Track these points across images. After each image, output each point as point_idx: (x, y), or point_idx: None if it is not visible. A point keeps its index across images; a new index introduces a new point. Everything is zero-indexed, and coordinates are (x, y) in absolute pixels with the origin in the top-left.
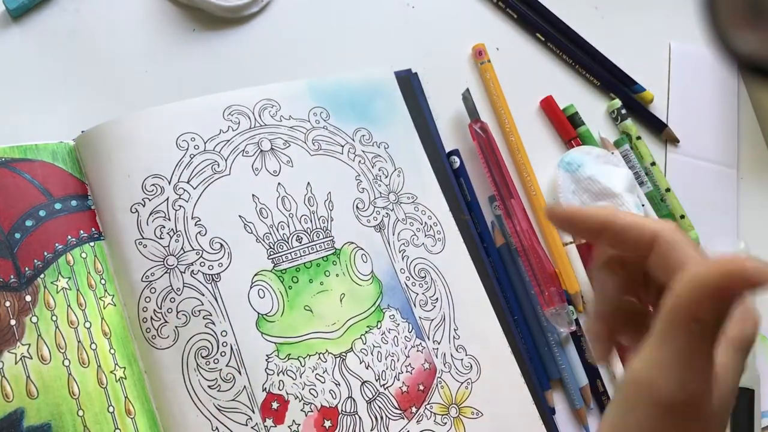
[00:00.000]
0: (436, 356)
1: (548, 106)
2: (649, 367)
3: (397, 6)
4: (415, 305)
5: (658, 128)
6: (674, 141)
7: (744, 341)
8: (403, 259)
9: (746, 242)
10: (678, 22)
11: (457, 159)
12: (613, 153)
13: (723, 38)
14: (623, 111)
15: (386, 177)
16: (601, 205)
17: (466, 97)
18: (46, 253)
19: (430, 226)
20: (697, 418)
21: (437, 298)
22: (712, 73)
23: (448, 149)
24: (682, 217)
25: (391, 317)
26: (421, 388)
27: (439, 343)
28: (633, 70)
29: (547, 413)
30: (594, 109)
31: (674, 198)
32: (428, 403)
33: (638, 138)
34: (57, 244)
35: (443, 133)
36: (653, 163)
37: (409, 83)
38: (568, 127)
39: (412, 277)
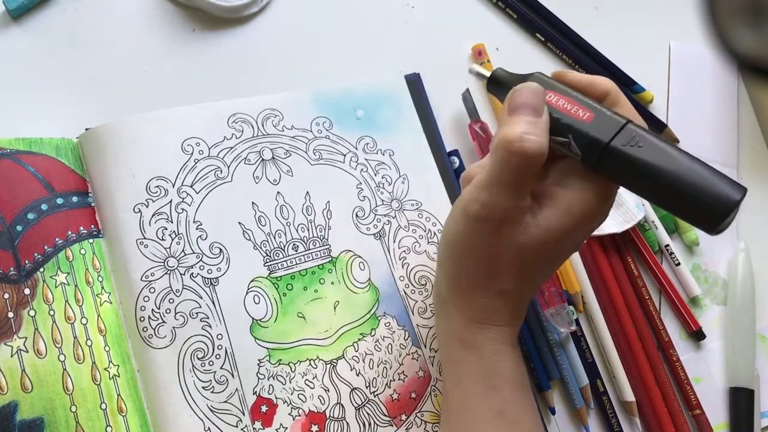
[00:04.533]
0: (432, 364)
1: None
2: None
3: (397, 6)
4: (413, 313)
5: (658, 128)
6: (674, 141)
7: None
8: (403, 266)
9: (746, 242)
10: (678, 22)
11: (456, 159)
12: None
13: (723, 38)
14: None
15: (389, 184)
16: None
17: (466, 98)
18: (46, 247)
19: (434, 233)
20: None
21: None
22: (712, 73)
23: (448, 149)
24: None
25: (387, 325)
26: (414, 396)
27: (435, 351)
28: (633, 70)
29: (547, 413)
30: None
31: None
32: (419, 411)
33: None
34: (57, 239)
35: (443, 133)
36: None
37: (416, 87)
38: None
39: (412, 284)
